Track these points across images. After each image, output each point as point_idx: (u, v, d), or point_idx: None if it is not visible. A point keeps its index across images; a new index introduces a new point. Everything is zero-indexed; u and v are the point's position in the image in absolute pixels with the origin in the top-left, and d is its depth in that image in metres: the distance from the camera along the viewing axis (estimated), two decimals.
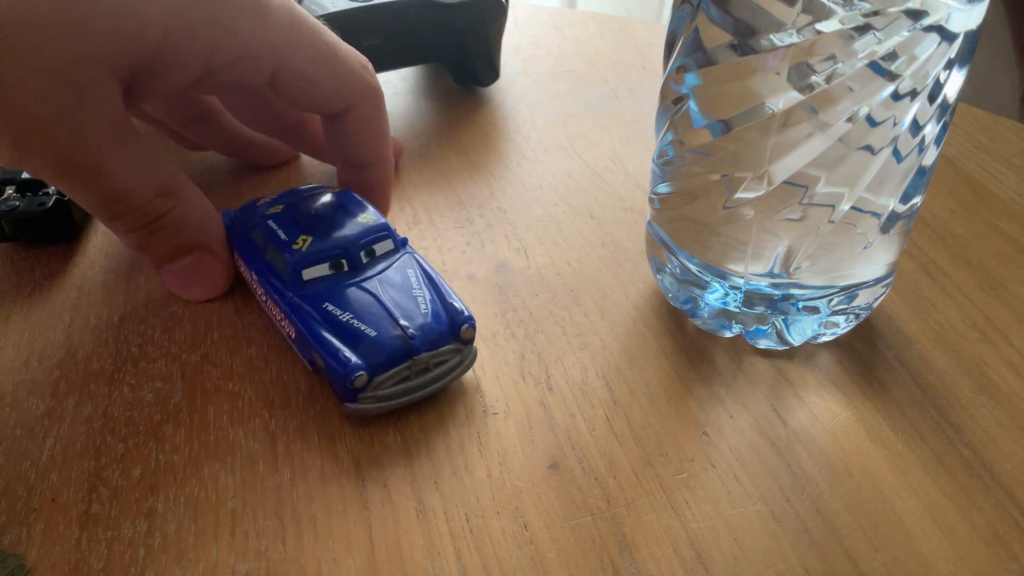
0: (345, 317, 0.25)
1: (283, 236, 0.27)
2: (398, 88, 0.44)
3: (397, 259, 0.28)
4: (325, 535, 0.22)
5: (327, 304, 0.26)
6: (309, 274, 0.26)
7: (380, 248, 0.28)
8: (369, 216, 0.28)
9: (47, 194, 0.32)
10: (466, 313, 0.26)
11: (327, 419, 0.25)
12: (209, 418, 0.26)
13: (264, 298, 0.28)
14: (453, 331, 0.25)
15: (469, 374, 0.27)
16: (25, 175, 0.32)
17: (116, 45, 0.24)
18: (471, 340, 0.26)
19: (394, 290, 0.26)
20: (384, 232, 0.28)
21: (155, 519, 0.23)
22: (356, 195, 0.30)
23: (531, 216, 0.34)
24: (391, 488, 0.23)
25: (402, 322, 0.25)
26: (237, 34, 0.26)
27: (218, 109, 0.34)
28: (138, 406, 0.26)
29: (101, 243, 0.33)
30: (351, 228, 0.27)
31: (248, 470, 0.24)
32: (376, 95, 0.31)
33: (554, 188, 0.36)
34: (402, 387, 0.25)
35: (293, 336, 0.26)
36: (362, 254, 0.27)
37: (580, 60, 0.46)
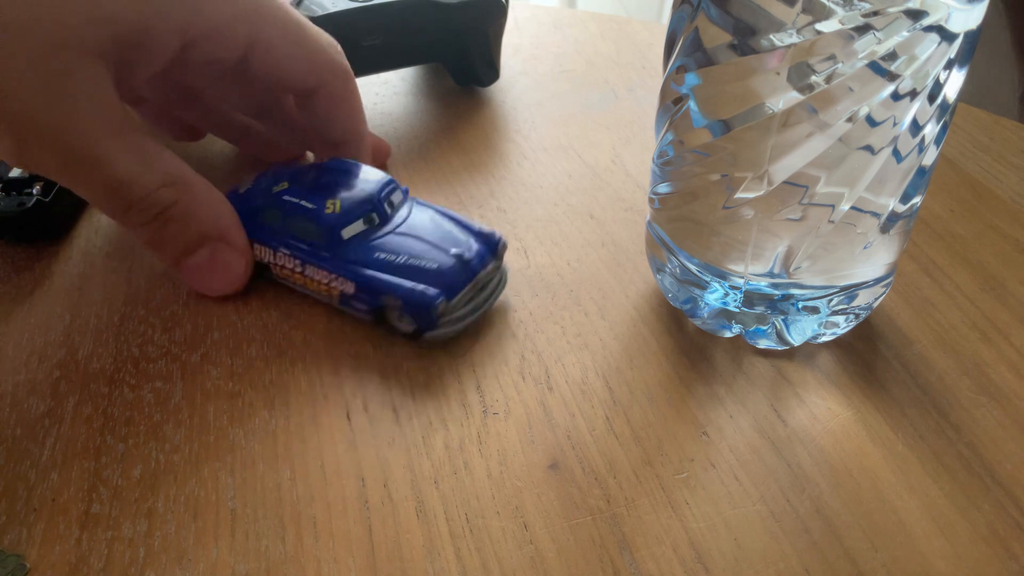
0: (401, 259, 0.28)
1: (310, 205, 0.29)
2: (398, 88, 0.44)
3: (412, 206, 0.30)
4: (325, 535, 0.22)
5: (378, 254, 0.28)
6: (348, 232, 0.28)
7: (395, 198, 0.30)
8: (373, 173, 0.30)
9: (29, 193, 0.32)
10: (497, 234, 0.29)
11: (327, 419, 0.25)
12: (209, 418, 0.26)
13: (300, 269, 0.29)
14: (492, 249, 0.28)
15: (470, 371, 0.27)
16: (10, 173, 0.32)
17: (96, 27, 0.25)
18: (502, 258, 0.29)
19: (427, 229, 0.29)
20: (393, 183, 0.30)
21: (155, 519, 0.23)
22: (347, 159, 0.31)
23: (531, 216, 0.34)
24: (391, 488, 0.23)
25: (453, 251, 0.28)
26: (208, 7, 0.27)
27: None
28: (138, 406, 0.26)
29: (101, 243, 0.33)
30: (366, 186, 0.30)
31: (248, 470, 0.24)
32: (346, 73, 0.32)
33: (554, 188, 0.36)
34: (470, 307, 0.28)
35: (351, 292, 0.28)
36: (385, 205, 0.29)
37: (580, 60, 0.46)
